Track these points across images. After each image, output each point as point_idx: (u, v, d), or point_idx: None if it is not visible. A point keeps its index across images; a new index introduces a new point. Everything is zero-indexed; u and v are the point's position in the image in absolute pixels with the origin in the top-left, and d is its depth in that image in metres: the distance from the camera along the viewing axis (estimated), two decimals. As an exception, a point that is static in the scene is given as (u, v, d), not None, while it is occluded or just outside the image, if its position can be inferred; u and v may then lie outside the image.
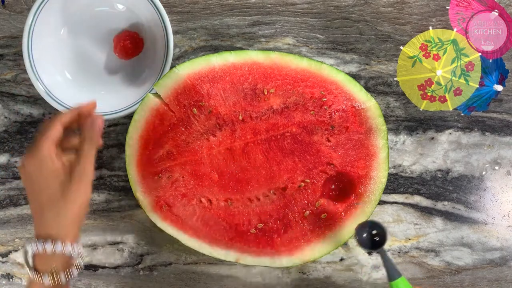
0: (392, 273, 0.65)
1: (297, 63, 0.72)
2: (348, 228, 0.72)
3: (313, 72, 0.72)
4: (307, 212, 0.72)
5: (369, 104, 0.72)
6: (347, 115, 0.72)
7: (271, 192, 0.72)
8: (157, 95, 0.70)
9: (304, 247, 0.72)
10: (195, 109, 0.70)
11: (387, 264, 0.65)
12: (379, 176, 0.73)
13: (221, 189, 0.71)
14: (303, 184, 0.72)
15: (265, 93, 0.71)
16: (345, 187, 0.73)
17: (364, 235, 0.67)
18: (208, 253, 0.72)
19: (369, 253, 0.67)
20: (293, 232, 0.72)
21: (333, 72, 0.72)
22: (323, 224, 0.72)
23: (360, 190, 0.72)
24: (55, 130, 0.59)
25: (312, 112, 0.72)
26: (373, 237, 0.67)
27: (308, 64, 0.72)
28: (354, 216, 0.72)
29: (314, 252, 0.72)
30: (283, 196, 0.72)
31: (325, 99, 0.72)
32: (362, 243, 0.67)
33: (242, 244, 0.72)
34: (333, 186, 0.73)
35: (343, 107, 0.72)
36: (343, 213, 0.72)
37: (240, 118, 0.71)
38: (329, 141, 0.72)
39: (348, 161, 0.72)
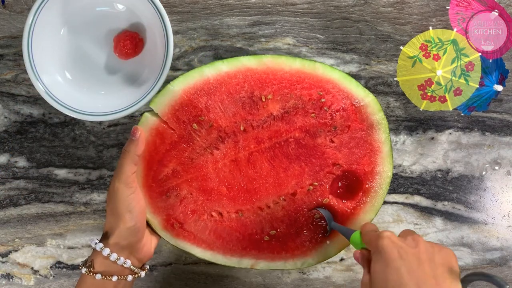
0: (349, 232, 0.67)
1: (290, 65, 0.72)
2: (359, 224, 0.72)
3: (308, 72, 0.72)
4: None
5: (368, 100, 0.72)
6: (347, 114, 0.72)
7: (281, 198, 0.72)
8: (154, 113, 0.70)
9: (317, 247, 0.72)
10: (195, 124, 0.70)
11: (342, 230, 0.68)
12: (385, 170, 0.73)
13: (231, 201, 0.71)
14: (311, 187, 0.72)
15: (263, 99, 0.71)
16: (352, 185, 0.73)
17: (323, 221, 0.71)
18: (222, 263, 0.72)
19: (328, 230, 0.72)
20: (305, 234, 0.72)
21: (328, 71, 0.72)
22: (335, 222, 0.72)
23: (367, 186, 0.72)
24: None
25: (312, 114, 0.71)
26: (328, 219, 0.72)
27: (301, 65, 0.72)
28: (364, 212, 0.72)
29: (328, 251, 0.72)
30: (293, 201, 0.72)
31: (323, 100, 0.71)
32: (329, 226, 0.71)
33: (256, 252, 0.72)
34: (340, 184, 0.73)
35: (343, 106, 0.72)
36: (352, 210, 0.72)
37: (242, 128, 0.71)
38: (332, 142, 0.72)
39: (354, 159, 0.72)
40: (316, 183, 0.72)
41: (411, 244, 0.57)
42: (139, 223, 0.65)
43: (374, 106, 0.72)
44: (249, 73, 0.71)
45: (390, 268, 0.55)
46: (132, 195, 0.65)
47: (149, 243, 0.68)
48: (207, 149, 0.70)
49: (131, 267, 0.65)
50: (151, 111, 0.70)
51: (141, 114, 0.70)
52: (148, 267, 0.69)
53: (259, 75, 0.71)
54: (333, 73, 0.72)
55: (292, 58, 0.72)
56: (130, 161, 0.66)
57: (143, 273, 0.66)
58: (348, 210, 0.72)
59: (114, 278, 0.63)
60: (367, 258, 0.60)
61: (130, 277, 0.65)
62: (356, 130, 0.72)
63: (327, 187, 0.72)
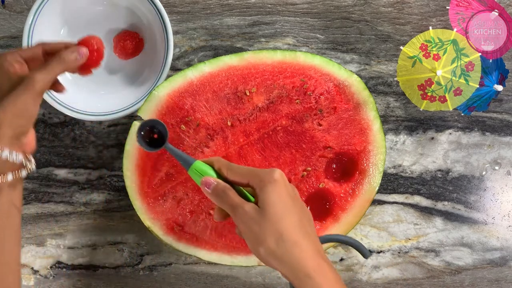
0: (187, 161, 0.61)
1: (272, 57, 0.73)
2: (359, 206, 0.72)
3: (289, 62, 0.73)
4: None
5: (351, 80, 0.73)
6: (332, 95, 0.73)
7: None
8: (143, 120, 0.71)
9: (321, 233, 0.72)
10: (183, 125, 0.71)
11: (178, 156, 0.61)
12: (378, 147, 0.73)
13: None
14: (305, 173, 0.72)
15: (247, 94, 0.71)
16: (347, 166, 0.73)
17: (143, 135, 0.63)
18: (230, 263, 0.72)
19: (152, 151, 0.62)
20: None
21: (309, 58, 0.73)
22: (335, 206, 0.72)
23: (363, 166, 0.72)
24: (29, 49, 0.59)
25: (297, 101, 0.72)
26: (153, 136, 0.63)
27: (282, 56, 0.73)
28: (363, 193, 0.72)
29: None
30: None
31: (307, 85, 0.72)
32: (142, 144, 0.62)
33: None
34: (334, 166, 0.73)
35: (326, 88, 0.72)
36: (350, 192, 0.72)
37: (229, 123, 0.71)
38: (320, 125, 0.72)
39: (344, 140, 0.72)
40: (309, 168, 0.72)
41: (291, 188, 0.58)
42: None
43: (358, 85, 0.73)
44: (231, 71, 0.72)
45: (285, 204, 0.56)
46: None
47: (32, 134, 0.60)
48: (197, 148, 0.71)
49: (23, 160, 0.57)
50: (140, 119, 0.71)
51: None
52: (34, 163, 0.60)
53: (241, 71, 0.72)
54: (314, 59, 0.73)
55: (273, 51, 0.73)
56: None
57: (34, 166, 0.59)
58: (347, 192, 0.72)
59: (10, 177, 0.56)
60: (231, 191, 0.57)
61: (24, 173, 0.58)
62: (342, 111, 0.73)
63: (322, 171, 0.72)
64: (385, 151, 0.73)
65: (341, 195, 0.72)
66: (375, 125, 0.73)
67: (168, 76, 0.74)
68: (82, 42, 0.62)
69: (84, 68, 0.63)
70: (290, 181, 0.72)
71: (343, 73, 0.73)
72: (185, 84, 0.71)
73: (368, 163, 0.72)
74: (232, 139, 0.71)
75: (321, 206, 0.72)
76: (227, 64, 0.72)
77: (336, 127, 0.73)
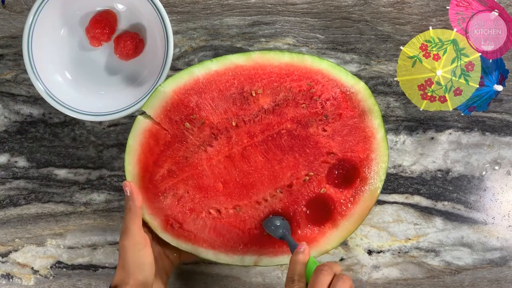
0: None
1: (279, 59, 0.72)
2: (359, 212, 0.72)
3: (296, 65, 0.72)
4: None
5: (358, 87, 0.72)
6: (338, 102, 0.72)
7: (278, 191, 0.72)
8: (147, 116, 0.70)
9: (319, 238, 0.72)
10: (187, 123, 0.70)
11: (291, 246, 0.67)
12: (381, 155, 0.73)
13: (228, 197, 0.71)
14: (307, 177, 0.72)
15: (253, 94, 0.71)
16: (349, 173, 0.73)
17: (272, 227, 0.70)
18: (226, 262, 0.72)
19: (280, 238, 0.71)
20: (306, 226, 0.72)
21: (316, 62, 0.72)
22: (334, 212, 0.72)
23: (364, 174, 0.72)
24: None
25: (303, 105, 0.72)
26: (277, 226, 0.71)
27: (290, 58, 0.72)
28: (363, 200, 0.72)
29: (330, 242, 0.72)
30: (290, 193, 0.72)
31: (313, 90, 0.72)
32: (273, 233, 0.70)
33: (258, 248, 0.72)
34: (336, 172, 0.73)
35: (333, 94, 0.72)
36: (351, 198, 0.72)
37: (233, 124, 0.71)
38: (325, 130, 0.72)
39: (348, 147, 0.72)
40: (312, 173, 0.72)
41: None
42: (149, 277, 0.65)
43: (365, 93, 0.72)
44: (238, 70, 0.71)
45: None
46: (141, 252, 0.65)
47: None
48: (200, 146, 0.71)
49: None
50: (144, 114, 0.70)
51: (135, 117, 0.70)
52: None
53: (248, 71, 0.71)
54: (321, 63, 0.72)
55: (281, 52, 0.72)
56: (133, 216, 0.66)
57: None
58: (347, 198, 0.72)
59: None
60: None
61: None
62: (348, 118, 0.72)
63: (324, 176, 0.72)
64: (388, 159, 0.73)
65: (342, 201, 0.72)
66: (379, 134, 0.73)
67: (169, 76, 0.74)
68: (99, 16, 0.73)
69: (96, 39, 0.74)
70: (291, 185, 0.72)
71: (350, 79, 0.72)
72: (191, 81, 0.70)
73: (370, 171, 0.72)
74: (236, 140, 0.71)
75: (321, 211, 0.72)
76: (234, 63, 0.71)
77: (341, 133, 0.72)
